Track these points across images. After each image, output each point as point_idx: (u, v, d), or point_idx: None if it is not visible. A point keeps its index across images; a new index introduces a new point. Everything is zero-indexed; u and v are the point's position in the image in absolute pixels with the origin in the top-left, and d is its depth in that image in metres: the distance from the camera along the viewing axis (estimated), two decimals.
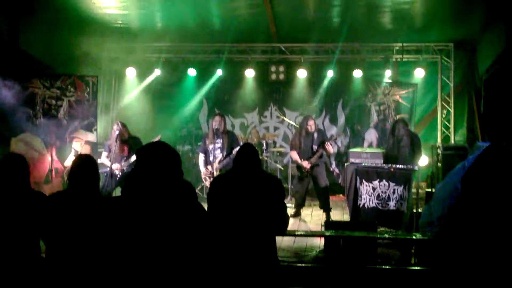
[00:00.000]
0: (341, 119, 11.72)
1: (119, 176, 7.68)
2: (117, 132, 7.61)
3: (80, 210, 3.65)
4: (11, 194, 3.73)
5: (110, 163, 7.60)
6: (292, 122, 11.52)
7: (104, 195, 6.79)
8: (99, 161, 8.22)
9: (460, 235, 2.80)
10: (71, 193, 3.75)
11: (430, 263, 5.68)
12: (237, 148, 6.99)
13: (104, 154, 7.83)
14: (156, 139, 7.73)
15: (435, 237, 2.88)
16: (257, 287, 3.55)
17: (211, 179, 7.83)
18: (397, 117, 10.86)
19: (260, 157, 10.37)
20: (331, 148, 8.61)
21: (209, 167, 8.09)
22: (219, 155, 8.09)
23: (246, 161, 3.80)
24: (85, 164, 3.82)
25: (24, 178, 3.85)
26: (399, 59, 11.35)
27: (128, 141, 7.76)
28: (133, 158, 7.44)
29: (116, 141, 7.61)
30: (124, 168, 7.68)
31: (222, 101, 12.09)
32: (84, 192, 3.73)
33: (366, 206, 7.72)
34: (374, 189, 7.64)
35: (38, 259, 3.81)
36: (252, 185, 3.69)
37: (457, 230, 2.81)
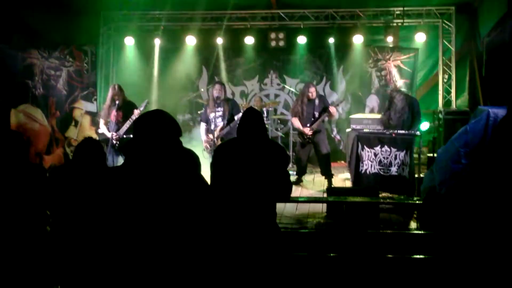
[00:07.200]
0: (342, 86, 11.64)
1: (117, 144, 7.58)
2: (112, 96, 7.53)
3: (83, 181, 3.66)
4: (9, 171, 3.72)
5: (110, 133, 7.53)
6: (292, 89, 11.45)
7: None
8: (99, 131, 8.18)
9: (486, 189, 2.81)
10: (75, 165, 3.76)
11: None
12: (239, 115, 6.94)
13: (102, 122, 7.75)
14: (143, 104, 7.60)
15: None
16: (259, 255, 3.57)
17: (212, 147, 7.86)
18: (397, 83, 10.81)
19: None
20: (335, 111, 8.58)
21: (210, 135, 8.10)
22: (220, 123, 8.09)
23: (249, 127, 3.75)
24: (90, 149, 3.85)
25: (22, 155, 3.83)
26: (400, 24, 11.24)
27: (123, 107, 7.64)
28: (128, 123, 7.42)
29: (112, 106, 7.54)
30: (120, 135, 7.57)
31: (222, 69, 11.99)
32: (88, 165, 3.75)
33: (368, 172, 7.74)
34: (375, 155, 7.65)
35: (43, 232, 3.83)
36: (256, 153, 3.66)
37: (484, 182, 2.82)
